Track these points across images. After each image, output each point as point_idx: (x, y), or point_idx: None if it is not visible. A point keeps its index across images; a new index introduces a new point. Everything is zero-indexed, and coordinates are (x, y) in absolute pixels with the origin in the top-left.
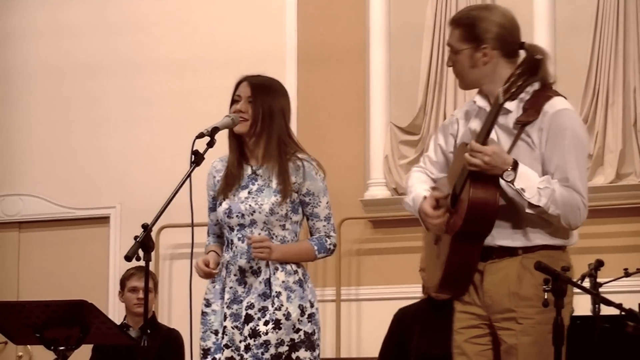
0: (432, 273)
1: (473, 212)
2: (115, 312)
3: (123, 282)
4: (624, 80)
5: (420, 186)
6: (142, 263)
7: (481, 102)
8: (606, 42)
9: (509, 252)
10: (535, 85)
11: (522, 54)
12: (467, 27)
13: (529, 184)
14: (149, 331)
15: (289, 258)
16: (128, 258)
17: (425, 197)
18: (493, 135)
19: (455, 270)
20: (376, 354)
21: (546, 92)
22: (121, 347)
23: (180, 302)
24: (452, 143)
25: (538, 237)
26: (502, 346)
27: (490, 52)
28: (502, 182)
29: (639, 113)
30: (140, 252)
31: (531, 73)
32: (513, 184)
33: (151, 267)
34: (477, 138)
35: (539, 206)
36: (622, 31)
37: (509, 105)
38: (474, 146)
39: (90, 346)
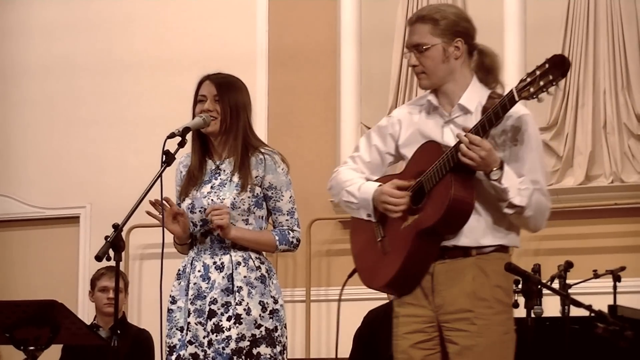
0: (374, 271)
1: (452, 211)
2: (85, 312)
3: (93, 282)
4: (593, 82)
5: (361, 179)
6: (112, 263)
7: (436, 102)
8: (576, 44)
9: (463, 252)
10: (486, 89)
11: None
12: (438, 21)
13: (511, 183)
14: (119, 331)
15: (247, 240)
16: (98, 258)
17: (381, 184)
18: (450, 134)
19: (411, 268)
20: (346, 355)
21: (500, 95)
22: (91, 347)
23: (151, 303)
24: (391, 144)
25: (492, 238)
26: (452, 348)
27: (462, 46)
28: (483, 179)
29: (608, 115)
30: (111, 252)
31: (561, 73)
32: (500, 182)
33: (121, 267)
34: (475, 132)
35: (519, 206)
36: (592, 33)
37: (469, 105)
38: (474, 139)
39: (60, 346)
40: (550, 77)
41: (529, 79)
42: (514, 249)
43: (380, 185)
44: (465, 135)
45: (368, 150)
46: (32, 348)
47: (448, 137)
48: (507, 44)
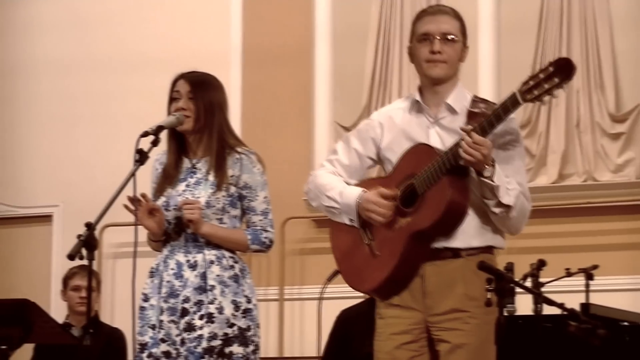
0: (363, 274)
1: (449, 213)
2: (58, 311)
3: (66, 281)
4: None
5: (341, 183)
6: (85, 262)
7: (419, 97)
8: (550, 44)
9: (452, 253)
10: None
11: None
12: (463, 22)
13: (501, 182)
14: (91, 330)
15: (219, 237)
16: (71, 257)
17: (364, 191)
18: (435, 136)
19: (403, 270)
20: (319, 353)
21: (483, 99)
22: (64, 347)
23: (123, 302)
24: (372, 148)
25: (480, 239)
26: (443, 347)
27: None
28: (473, 178)
29: (582, 114)
30: (84, 251)
31: (567, 76)
32: (493, 180)
33: (94, 266)
34: (479, 132)
35: (508, 205)
36: (566, 32)
37: (456, 106)
38: (478, 139)
39: (32, 345)
40: (556, 80)
41: (531, 82)
42: (499, 250)
43: (363, 191)
44: (468, 135)
45: (347, 153)
46: (4, 347)
47: (434, 140)
48: (481, 44)
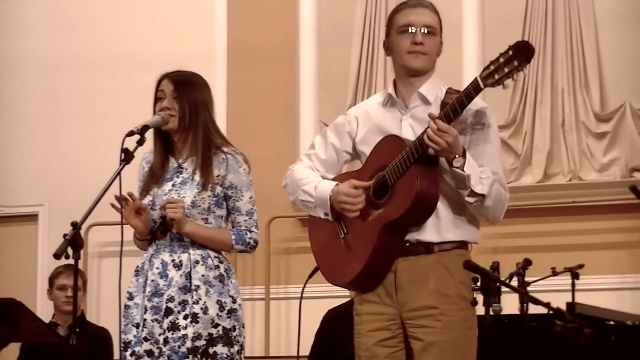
0: (339, 268)
1: (418, 202)
2: (44, 310)
3: (52, 280)
4: (552, 80)
5: (317, 177)
6: (71, 261)
7: (395, 95)
8: (534, 42)
9: (425, 248)
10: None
11: None
12: (439, 17)
13: (473, 172)
14: (77, 329)
15: (202, 236)
16: (57, 256)
17: (337, 184)
18: (408, 127)
19: (377, 262)
20: (305, 353)
21: (457, 91)
22: (50, 346)
23: (109, 301)
24: (348, 142)
25: (454, 233)
26: (417, 344)
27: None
28: (445, 170)
29: (566, 113)
30: (70, 250)
31: (525, 59)
32: (463, 170)
33: (80, 265)
34: (444, 120)
35: (481, 194)
36: (551, 31)
37: (429, 96)
38: (442, 126)
39: (19, 345)
40: (515, 63)
41: (492, 67)
42: (473, 245)
43: (337, 185)
44: (433, 122)
45: (324, 147)
46: None
47: (406, 131)
48: (465, 42)
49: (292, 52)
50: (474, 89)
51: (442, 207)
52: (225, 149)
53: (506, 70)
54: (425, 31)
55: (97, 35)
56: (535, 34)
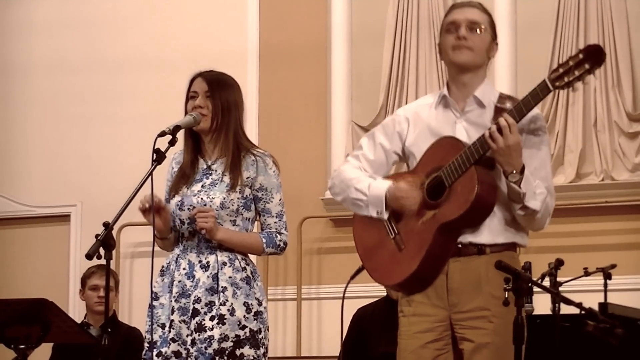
0: (389, 268)
1: (477, 205)
2: (76, 310)
3: (84, 281)
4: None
5: (366, 177)
6: (103, 261)
7: (446, 92)
8: (566, 42)
9: (477, 250)
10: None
11: None
12: (492, 18)
13: (528, 187)
14: (109, 330)
15: (234, 243)
16: (89, 256)
17: (393, 182)
18: (462, 130)
19: (430, 263)
20: (336, 353)
21: (509, 96)
22: (81, 346)
23: (141, 301)
24: (397, 143)
25: (506, 236)
26: (467, 345)
27: (496, 49)
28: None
29: (599, 113)
30: (101, 251)
31: (597, 62)
32: (519, 186)
33: (112, 266)
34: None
35: (534, 210)
36: (583, 32)
37: (484, 100)
38: (512, 123)
39: (51, 345)
40: (587, 66)
41: (561, 70)
42: (521, 248)
43: (393, 182)
44: (505, 116)
45: (372, 148)
46: (22, 346)
47: (461, 135)
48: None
49: (324, 52)
50: (541, 90)
51: (496, 209)
52: (254, 151)
53: (577, 73)
54: (470, 27)
55: (129, 36)
56: (568, 33)
